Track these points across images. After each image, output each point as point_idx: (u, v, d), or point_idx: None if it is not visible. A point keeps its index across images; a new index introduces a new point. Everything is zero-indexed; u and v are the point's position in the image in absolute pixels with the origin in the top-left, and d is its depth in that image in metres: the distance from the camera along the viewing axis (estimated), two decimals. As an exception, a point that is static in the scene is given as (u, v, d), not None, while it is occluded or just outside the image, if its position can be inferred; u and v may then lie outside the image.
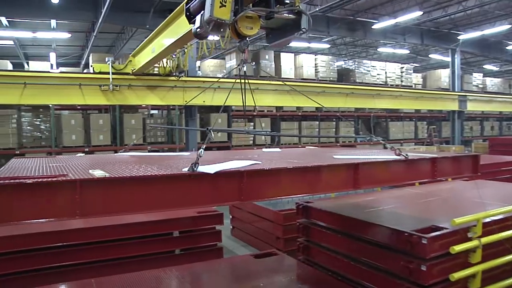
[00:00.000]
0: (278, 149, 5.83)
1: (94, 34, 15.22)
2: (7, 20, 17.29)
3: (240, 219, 8.20)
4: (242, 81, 5.07)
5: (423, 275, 3.61)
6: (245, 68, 5.01)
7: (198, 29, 4.38)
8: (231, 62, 15.49)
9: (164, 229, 5.80)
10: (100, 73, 11.17)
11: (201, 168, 2.72)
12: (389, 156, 3.83)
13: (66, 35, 18.67)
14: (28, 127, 12.77)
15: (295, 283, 4.38)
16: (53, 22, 17.15)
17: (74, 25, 18.77)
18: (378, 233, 4.13)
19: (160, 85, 11.86)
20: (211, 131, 3.94)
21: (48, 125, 12.95)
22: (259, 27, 4.33)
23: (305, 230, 5.33)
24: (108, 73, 10.96)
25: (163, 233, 5.81)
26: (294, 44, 23.77)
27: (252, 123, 16.03)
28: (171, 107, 15.17)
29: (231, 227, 8.51)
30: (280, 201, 7.51)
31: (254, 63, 15.63)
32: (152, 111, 18.03)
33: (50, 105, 12.66)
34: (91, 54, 15.09)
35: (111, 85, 10.72)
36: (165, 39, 8.10)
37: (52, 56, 19.62)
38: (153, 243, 5.70)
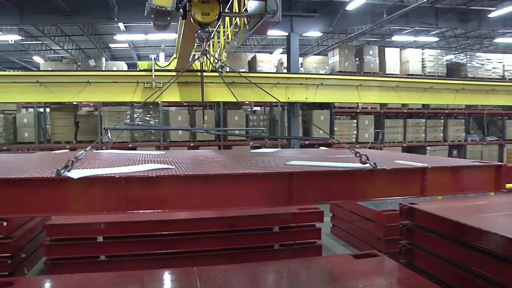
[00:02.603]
0: (272, 150, 5.40)
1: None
2: (124, 25, 18.72)
3: (341, 218, 8.08)
4: (211, 74, 4.71)
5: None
6: (202, 59, 4.76)
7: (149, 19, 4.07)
8: (334, 58, 15.28)
9: (264, 223, 5.91)
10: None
11: (71, 173, 2.48)
12: (356, 164, 3.07)
13: (174, 36, 19.74)
14: (139, 123, 13.71)
15: (396, 287, 4.22)
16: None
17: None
18: (492, 241, 3.83)
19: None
20: (108, 130, 3.77)
21: (157, 120, 13.82)
22: (218, 13, 4.00)
23: (408, 232, 5.12)
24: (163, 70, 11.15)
25: (264, 228, 5.92)
26: (399, 38, 22.82)
27: (355, 120, 15.68)
28: (273, 104, 15.36)
29: (331, 225, 8.42)
30: (383, 201, 7.28)
31: (357, 59, 15.29)
32: (255, 108, 18.37)
33: (159, 102, 13.44)
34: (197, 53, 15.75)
35: (153, 82, 10.84)
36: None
37: (161, 56, 20.86)
38: (253, 237, 5.83)
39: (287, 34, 14.32)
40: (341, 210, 7.96)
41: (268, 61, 15.27)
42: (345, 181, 3.03)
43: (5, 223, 5.45)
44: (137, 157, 3.93)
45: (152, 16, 3.86)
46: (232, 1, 4.61)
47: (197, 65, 11.09)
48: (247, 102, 16.17)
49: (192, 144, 13.38)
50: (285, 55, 14.96)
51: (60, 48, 23.79)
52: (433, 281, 4.39)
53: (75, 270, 5.08)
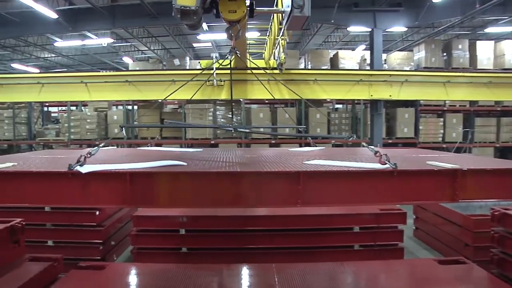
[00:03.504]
0: (313, 148, 5.30)
1: (281, 31, 15.90)
2: (207, 25, 19.28)
3: (424, 220, 7.73)
4: (234, 71, 4.64)
5: None
6: (231, 57, 4.66)
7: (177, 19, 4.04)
8: (420, 54, 14.65)
9: (345, 223, 5.86)
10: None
11: (82, 167, 2.69)
12: (375, 165, 2.93)
13: (255, 34, 20.03)
14: (222, 120, 14.04)
15: (486, 297, 3.95)
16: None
17: (261, 24, 20.01)
18: None
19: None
20: (123, 128, 3.79)
21: (239, 118, 14.06)
22: (245, 10, 3.91)
23: (501, 240, 4.79)
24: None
25: (344, 227, 5.86)
26: (493, 30, 21.16)
27: (442, 119, 14.91)
28: (355, 101, 15.05)
29: (413, 227, 8.09)
30: (471, 204, 6.88)
31: (445, 54, 14.54)
32: (337, 106, 18.11)
33: (241, 100, 13.65)
34: (279, 51, 15.78)
35: (215, 80, 10.64)
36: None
37: (238, 54, 21.32)
38: (333, 236, 5.80)
39: (370, 30, 13.94)
40: (425, 212, 7.62)
41: (351, 58, 15.01)
42: (359, 182, 2.87)
43: (97, 213, 5.83)
44: (167, 153, 4.21)
45: (178, 16, 3.88)
46: None
47: (258, 63, 11.21)
48: (328, 100, 15.98)
49: (273, 141, 13.47)
50: (368, 52, 14.59)
51: (147, 49, 25.03)
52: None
53: (159, 260, 5.38)
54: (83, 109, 16.69)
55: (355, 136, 4.07)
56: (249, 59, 7.43)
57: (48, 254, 4.53)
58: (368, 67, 14.22)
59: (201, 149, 5.45)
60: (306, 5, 3.98)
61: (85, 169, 2.68)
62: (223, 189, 2.84)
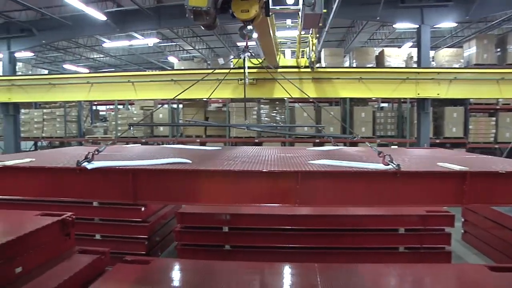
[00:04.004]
0: (331, 147, 5.24)
1: (326, 29, 15.69)
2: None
3: (474, 224, 7.45)
4: (248, 71, 4.53)
5: None
6: (242, 56, 4.60)
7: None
8: (470, 50, 14.12)
9: (390, 224, 5.77)
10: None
11: (89, 164, 2.80)
12: (378, 165, 2.82)
13: (296, 33, 19.98)
14: (266, 118, 14.05)
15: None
16: (288, 21, 18.41)
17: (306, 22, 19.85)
18: None
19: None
20: (131, 127, 3.80)
21: (283, 116, 14.04)
22: (257, 9, 3.81)
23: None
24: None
25: (388, 229, 5.77)
26: None
27: (494, 118, 14.30)
28: (401, 100, 14.72)
29: (462, 230, 7.81)
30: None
31: (499, 49, 13.95)
32: (382, 104, 17.75)
33: (285, 98, 13.60)
34: (322, 49, 15.60)
35: (247, 79, 10.42)
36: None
37: (287, 52, 21.21)
38: (377, 237, 5.72)
39: (417, 26, 13.57)
40: (474, 215, 7.34)
41: (397, 56, 14.67)
42: (360, 183, 2.79)
43: (143, 209, 5.97)
44: (182, 151, 4.37)
45: (191, 16, 3.87)
46: None
47: (283, 61, 11.14)
48: (374, 98, 15.69)
49: (317, 141, 13.34)
50: (415, 49, 14.20)
51: (192, 48, 25.44)
52: None
53: (202, 256, 5.45)
54: (129, 108, 17.13)
55: (359, 136, 4.00)
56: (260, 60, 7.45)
57: (96, 247, 4.67)
58: (415, 65, 13.85)
59: (220, 147, 5.50)
60: (318, 3, 3.95)
61: (91, 165, 2.82)
62: (221, 188, 2.89)
